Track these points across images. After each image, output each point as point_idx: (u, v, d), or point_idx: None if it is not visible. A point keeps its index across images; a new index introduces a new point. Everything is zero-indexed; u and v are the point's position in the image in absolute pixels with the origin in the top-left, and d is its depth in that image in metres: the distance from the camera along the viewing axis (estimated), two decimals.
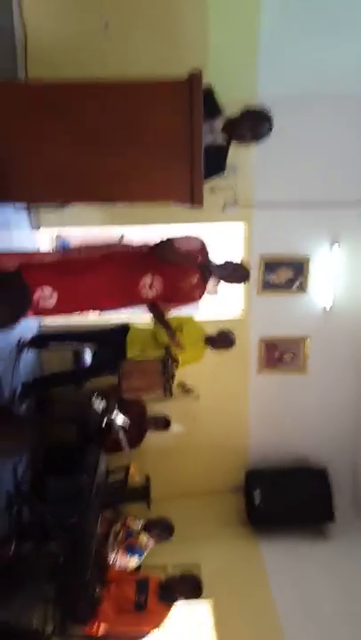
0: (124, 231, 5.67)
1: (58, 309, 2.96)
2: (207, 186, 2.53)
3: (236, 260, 3.32)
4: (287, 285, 5.00)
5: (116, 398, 4.11)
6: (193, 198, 2.29)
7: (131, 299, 3.11)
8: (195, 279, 3.10)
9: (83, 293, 2.94)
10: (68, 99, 2.23)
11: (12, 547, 2.16)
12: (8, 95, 2.24)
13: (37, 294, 2.83)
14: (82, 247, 3.01)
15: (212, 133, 2.71)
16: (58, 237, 5.87)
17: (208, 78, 4.24)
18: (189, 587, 3.53)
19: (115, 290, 2.99)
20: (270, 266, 4.96)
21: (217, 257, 3.27)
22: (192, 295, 3.19)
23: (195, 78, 2.20)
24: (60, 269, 2.87)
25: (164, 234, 3.06)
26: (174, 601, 3.55)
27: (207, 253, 3.15)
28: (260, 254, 4.92)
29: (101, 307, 3.16)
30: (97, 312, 3.37)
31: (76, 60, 4.23)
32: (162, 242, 3.02)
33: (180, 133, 2.24)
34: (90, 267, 2.90)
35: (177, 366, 4.13)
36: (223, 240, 5.42)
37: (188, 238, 3.09)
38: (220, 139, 2.74)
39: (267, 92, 4.41)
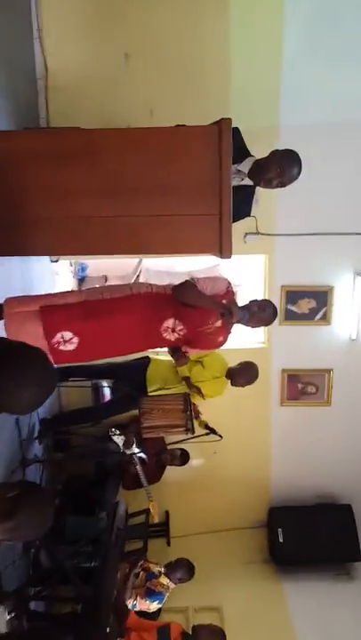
0: (143, 262, 5.65)
1: (77, 354, 2.88)
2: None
3: (260, 298, 3.21)
4: (310, 316, 4.87)
5: (134, 432, 4.01)
6: (221, 249, 2.19)
7: (152, 342, 3.02)
8: (218, 323, 2.98)
9: (104, 337, 2.85)
10: (89, 146, 2.15)
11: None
12: (24, 143, 2.17)
13: (56, 338, 2.76)
14: (104, 289, 2.92)
15: (239, 176, 2.62)
16: (76, 264, 5.84)
17: (230, 107, 4.27)
18: None
19: (136, 333, 2.89)
20: (292, 296, 4.84)
21: (242, 297, 3.16)
22: (215, 340, 3.08)
23: (224, 124, 2.10)
24: (81, 313, 2.79)
25: (187, 271, 3.00)
26: None
27: (233, 295, 3.04)
28: (282, 284, 4.81)
29: (122, 351, 3.08)
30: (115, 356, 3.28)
31: (98, 92, 4.21)
32: (184, 284, 2.92)
33: (209, 181, 2.15)
34: (112, 310, 2.81)
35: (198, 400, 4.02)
36: (245, 269, 5.34)
37: (213, 279, 2.99)
38: (246, 181, 2.64)
39: (289, 121, 4.37)
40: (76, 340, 2.77)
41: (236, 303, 3.04)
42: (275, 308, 3.17)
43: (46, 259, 4.68)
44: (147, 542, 4.12)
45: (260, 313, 3.08)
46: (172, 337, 2.96)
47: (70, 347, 2.79)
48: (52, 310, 2.75)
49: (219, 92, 4.30)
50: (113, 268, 6.18)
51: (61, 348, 2.78)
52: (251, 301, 3.11)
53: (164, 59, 4.25)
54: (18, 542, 1.53)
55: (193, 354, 3.81)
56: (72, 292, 2.98)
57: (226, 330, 3.07)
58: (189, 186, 2.16)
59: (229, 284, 3.05)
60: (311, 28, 4.22)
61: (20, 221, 2.16)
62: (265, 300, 3.21)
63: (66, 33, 4.16)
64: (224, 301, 2.95)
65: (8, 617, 2.99)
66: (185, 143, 2.15)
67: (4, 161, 2.13)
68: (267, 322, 3.16)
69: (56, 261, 4.79)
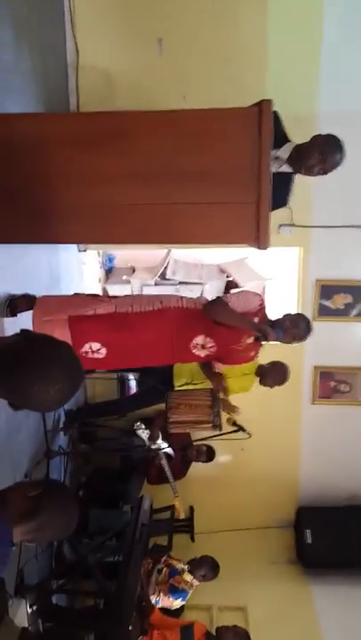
0: (172, 253, 5.55)
1: (105, 363, 2.87)
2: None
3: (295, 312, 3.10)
4: (345, 311, 4.70)
5: (160, 427, 3.93)
6: (259, 239, 2.06)
7: (181, 357, 2.97)
8: (250, 340, 2.89)
9: (132, 350, 2.81)
10: (122, 130, 2.05)
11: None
12: (56, 127, 2.08)
13: (85, 348, 2.72)
14: (134, 301, 2.85)
15: (277, 162, 2.48)
16: (104, 254, 5.78)
17: (267, 93, 4.11)
18: None
19: (165, 348, 2.84)
20: (327, 290, 4.67)
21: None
22: (246, 356, 3.00)
23: (265, 106, 1.97)
24: (110, 325, 2.74)
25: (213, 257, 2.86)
26: None
27: (265, 312, 2.92)
28: (317, 278, 4.64)
29: (149, 362, 3.01)
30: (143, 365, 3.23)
31: (129, 78, 4.11)
32: (215, 301, 2.83)
33: (247, 168, 2.02)
34: (141, 324, 2.76)
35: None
36: (278, 262, 5.19)
37: (245, 296, 2.91)
38: (284, 168, 2.51)
39: (329, 108, 4.19)
40: (104, 350, 2.75)
41: (268, 320, 2.92)
42: (308, 323, 3.05)
43: (74, 248, 4.62)
44: (172, 539, 4.04)
45: (293, 329, 2.97)
46: (201, 353, 2.90)
47: (98, 356, 2.78)
48: (81, 321, 2.72)
49: (255, 78, 4.14)
50: (141, 259, 6.10)
51: (90, 356, 2.76)
52: (284, 316, 3.00)
53: (199, 43, 4.11)
54: (41, 543, 1.44)
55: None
56: (102, 300, 2.91)
57: (258, 345, 2.98)
58: (226, 172, 2.04)
59: (262, 300, 2.96)
60: (352, 13, 4.03)
61: (51, 208, 2.08)
62: (298, 314, 3.11)
63: (98, 17, 4.05)
64: (256, 319, 2.85)
65: (30, 610, 2.96)
66: (222, 126, 2.02)
67: (36, 145, 2.05)
68: (301, 337, 3.03)
69: (84, 251, 4.72)
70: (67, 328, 2.66)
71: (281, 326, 2.90)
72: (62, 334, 2.65)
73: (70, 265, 4.43)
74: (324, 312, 4.69)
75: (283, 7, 4.04)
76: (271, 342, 2.99)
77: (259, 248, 2.09)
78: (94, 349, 2.70)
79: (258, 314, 2.88)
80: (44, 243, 2.57)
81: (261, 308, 2.91)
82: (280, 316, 2.95)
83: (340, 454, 4.96)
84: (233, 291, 2.99)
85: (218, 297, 2.85)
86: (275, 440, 4.88)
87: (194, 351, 2.84)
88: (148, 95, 4.12)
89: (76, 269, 4.68)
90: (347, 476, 5.00)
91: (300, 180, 4.22)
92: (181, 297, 2.91)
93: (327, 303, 4.68)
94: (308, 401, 4.91)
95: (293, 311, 4.69)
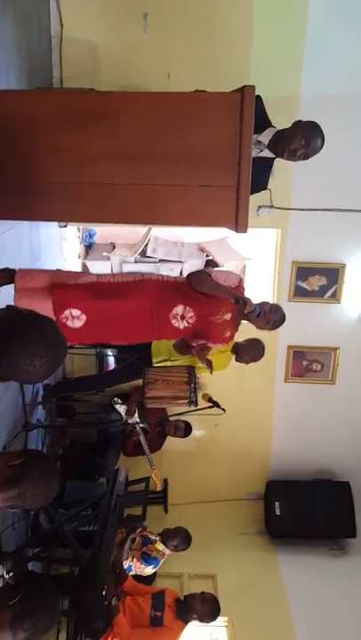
0: (152, 230, 5.57)
1: (83, 334, 2.87)
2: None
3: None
4: (320, 293, 4.82)
5: (137, 402, 4.02)
6: (237, 224, 2.12)
7: (160, 329, 2.99)
8: (228, 315, 2.96)
9: (111, 319, 2.85)
10: (107, 109, 2.07)
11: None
12: (41, 104, 2.09)
13: (64, 314, 2.75)
14: (116, 274, 2.92)
15: (258, 147, 2.54)
16: (84, 230, 5.77)
17: (251, 74, 4.13)
18: (208, 610, 3.44)
19: (144, 318, 2.87)
20: (303, 272, 4.78)
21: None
22: (223, 333, 3.07)
23: (247, 92, 2.01)
24: (91, 292, 2.78)
25: (193, 235, 2.92)
26: (190, 620, 3.47)
27: (243, 290, 3.01)
28: (293, 260, 4.74)
29: (128, 335, 3.06)
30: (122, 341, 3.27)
31: (113, 53, 4.08)
32: (199, 272, 2.93)
33: (228, 152, 2.06)
34: (122, 293, 2.81)
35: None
36: (256, 243, 5.26)
37: (225, 273, 2.99)
38: (265, 153, 2.56)
39: (310, 91, 4.24)
40: (83, 317, 2.77)
41: (246, 297, 3.01)
42: (284, 315, 3.17)
43: (55, 224, 4.61)
44: (146, 509, 4.16)
45: (270, 314, 3.07)
46: (180, 325, 2.94)
47: (78, 323, 2.79)
48: (63, 288, 2.75)
49: (239, 58, 4.16)
50: (121, 236, 6.10)
51: (69, 323, 2.78)
52: (262, 302, 3.10)
53: (184, 20, 4.10)
54: (22, 509, 1.54)
55: None
56: (83, 273, 2.97)
57: (234, 324, 3.07)
58: (208, 155, 2.08)
59: (241, 279, 3.05)
60: None
61: (35, 185, 2.10)
62: (276, 304, 3.24)
63: None
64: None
65: (7, 576, 3.05)
66: (205, 110, 2.05)
67: (18, 122, 2.05)
68: (275, 324, 3.15)
69: (65, 227, 4.72)
70: (48, 295, 2.69)
71: (260, 308, 2.98)
72: (43, 300, 2.68)
73: (51, 240, 4.43)
74: (299, 293, 4.80)
75: None
76: (244, 322, 3.08)
77: (237, 232, 2.15)
78: (74, 315, 2.72)
79: (236, 290, 2.96)
80: (28, 220, 2.58)
81: (240, 285, 3.00)
82: (259, 302, 3.04)
83: (310, 431, 5.13)
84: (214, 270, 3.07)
85: (201, 269, 2.94)
86: (248, 416, 5.02)
87: (173, 322, 2.88)
88: (132, 71, 4.11)
89: (57, 245, 4.69)
90: (315, 451, 5.19)
91: (279, 164, 4.29)
92: (162, 274, 2.99)
93: (303, 284, 4.79)
94: (282, 379, 5.05)
95: (270, 293, 4.89)
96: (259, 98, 2.51)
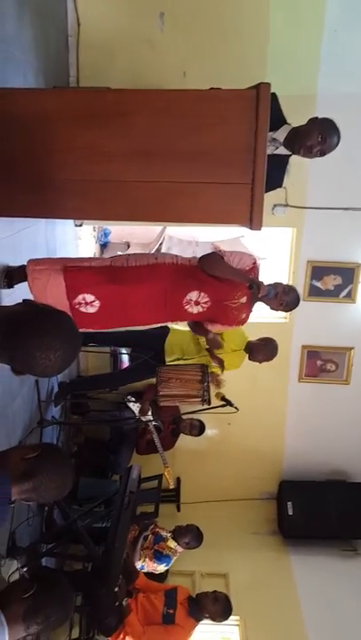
0: (167, 229, 5.58)
1: (97, 318, 2.86)
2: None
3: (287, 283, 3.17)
4: (335, 293, 4.79)
5: (150, 400, 4.03)
6: (252, 221, 2.12)
7: (173, 314, 2.98)
8: (243, 299, 2.93)
9: (125, 304, 2.83)
10: (123, 107, 2.09)
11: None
12: (57, 103, 2.11)
13: (78, 299, 2.75)
14: (129, 257, 2.88)
15: (273, 144, 2.53)
16: (99, 229, 5.80)
17: (267, 72, 4.12)
18: (220, 609, 3.44)
19: (158, 303, 2.86)
20: (318, 271, 4.75)
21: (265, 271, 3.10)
22: (238, 316, 3.03)
23: (263, 90, 2.01)
24: (105, 277, 2.76)
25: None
26: (202, 618, 3.48)
27: (258, 271, 2.97)
28: (308, 259, 4.72)
29: (141, 320, 3.05)
30: (136, 325, 3.24)
31: (130, 52, 4.09)
32: (211, 255, 2.85)
33: (243, 149, 2.07)
34: (136, 277, 2.78)
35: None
36: (270, 242, 5.24)
37: (239, 253, 2.91)
38: (280, 150, 2.56)
39: (327, 90, 4.21)
40: (97, 303, 2.76)
41: (261, 280, 2.99)
42: (298, 296, 3.14)
43: (70, 222, 4.64)
44: (158, 506, 4.17)
45: (283, 295, 3.04)
46: (194, 310, 2.91)
47: (91, 309, 2.78)
48: (76, 271, 2.73)
49: (255, 56, 4.15)
50: (136, 235, 6.13)
51: (82, 309, 2.77)
52: (276, 283, 3.06)
53: (200, 20, 4.10)
54: (37, 502, 1.56)
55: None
56: (97, 257, 2.96)
57: (249, 307, 3.03)
58: (223, 152, 2.09)
59: (255, 260, 2.98)
60: None
61: (51, 183, 2.12)
62: (290, 285, 3.18)
63: None
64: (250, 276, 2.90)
65: (22, 570, 3.08)
66: (221, 107, 2.06)
67: (35, 121, 2.08)
68: (288, 306, 3.11)
69: (80, 225, 4.75)
70: (61, 277, 2.67)
71: (274, 289, 2.96)
72: (56, 283, 2.67)
73: (66, 239, 4.46)
74: (314, 292, 4.78)
75: None
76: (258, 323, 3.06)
77: (252, 229, 2.15)
78: (88, 301, 2.71)
79: (251, 272, 2.91)
80: (44, 217, 2.60)
81: (254, 267, 2.94)
82: (272, 283, 3.01)
83: (324, 431, 5.10)
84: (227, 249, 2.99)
85: (213, 252, 2.86)
86: (261, 415, 5.01)
87: (187, 307, 2.86)
88: (148, 70, 4.12)
89: (72, 244, 4.72)
90: (328, 452, 5.16)
91: (295, 162, 4.29)
92: (176, 255, 2.93)
93: (317, 284, 4.77)
94: (295, 379, 5.03)
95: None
96: (274, 95, 2.51)
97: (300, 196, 4.50)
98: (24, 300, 1.47)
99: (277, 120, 2.55)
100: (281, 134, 2.56)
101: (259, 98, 2.02)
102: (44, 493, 1.63)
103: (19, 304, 1.45)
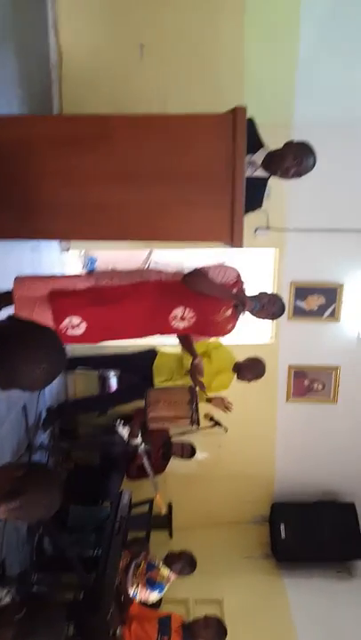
0: (153, 254, 5.65)
1: (85, 338, 2.90)
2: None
3: (271, 291, 3.21)
4: (319, 312, 4.86)
5: (140, 424, 4.02)
6: (233, 239, 2.18)
7: (160, 330, 3.02)
8: (228, 312, 2.98)
9: (112, 323, 2.86)
10: (105, 132, 2.16)
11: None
12: (42, 128, 2.18)
13: (65, 323, 2.77)
14: (114, 274, 2.91)
15: (252, 167, 2.61)
16: (86, 255, 5.85)
17: (245, 102, 4.25)
18: (212, 634, 3.39)
19: (144, 321, 2.90)
20: (301, 292, 4.83)
21: (250, 288, 3.14)
22: (224, 328, 3.07)
23: (239, 113, 2.10)
24: (90, 299, 2.79)
25: (197, 261, 2.96)
26: None
27: (243, 285, 3.03)
28: (291, 280, 4.80)
29: (129, 337, 3.08)
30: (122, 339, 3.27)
31: (111, 82, 4.21)
32: (194, 272, 2.90)
33: (222, 170, 2.14)
34: (121, 297, 2.81)
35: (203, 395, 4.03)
36: (253, 265, 5.32)
37: (222, 268, 2.97)
38: (259, 173, 2.64)
39: (303, 118, 4.35)
40: (84, 325, 2.79)
41: (245, 293, 3.03)
42: (283, 304, 3.19)
43: (57, 248, 4.70)
44: (150, 531, 4.12)
45: (268, 306, 3.08)
46: (180, 325, 2.94)
47: (78, 331, 2.81)
48: (61, 296, 2.76)
49: (233, 87, 4.28)
50: (122, 261, 6.18)
51: (69, 332, 2.80)
52: (261, 293, 3.11)
53: (179, 51, 4.24)
54: (25, 522, 1.55)
55: (201, 345, 3.82)
56: (81, 276, 2.99)
57: (235, 318, 3.07)
58: (203, 173, 2.16)
59: (239, 274, 3.03)
60: (327, 28, 4.20)
61: (37, 206, 2.17)
62: (275, 294, 3.23)
63: (81, 22, 4.17)
64: (234, 291, 2.94)
65: (11, 597, 3.02)
66: (199, 130, 2.14)
67: (21, 146, 2.14)
68: (274, 315, 3.17)
69: (67, 251, 4.79)
70: (47, 304, 2.71)
71: (258, 300, 3.01)
72: (43, 310, 2.70)
73: (53, 265, 4.50)
74: (298, 313, 4.85)
75: (261, 19, 4.20)
76: (246, 317, 3.09)
77: (233, 246, 2.21)
78: (75, 324, 2.74)
79: (235, 286, 2.97)
80: (32, 239, 2.64)
81: (238, 281, 2.99)
82: (257, 294, 3.06)
83: (314, 451, 5.11)
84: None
85: (196, 268, 2.90)
86: (251, 437, 5.02)
87: (173, 323, 2.89)
88: (129, 100, 4.23)
89: (59, 270, 4.76)
90: (320, 472, 5.16)
91: (275, 186, 4.39)
92: (160, 270, 2.97)
93: (302, 304, 4.84)
94: (283, 399, 5.05)
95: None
96: (251, 120, 2.61)
97: (281, 218, 4.61)
98: (9, 316, 1.49)
99: (255, 144, 2.65)
100: (259, 157, 2.65)
101: (235, 121, 2.11)
102: (31, 512, 1.63)
103: (3, 320, 1.48)
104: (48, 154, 2.14)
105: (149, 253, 5.85)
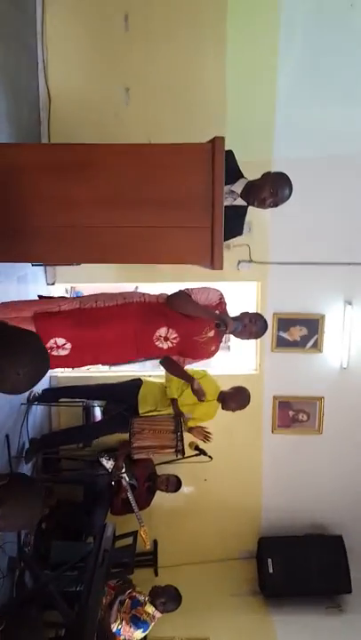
0: (138, 286, 5.73)
1: (70, 361, 2.93)
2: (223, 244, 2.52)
3: (254, 311, 3.27)
4: (302, 343, 4.94)
5: (124, 457, 4.00)
6: (213, 261, 2.27)
7: (144, 351, 3.06)
8: (211, 333, 3.04)
9: (96, 345, 2.90)
10: (89, 159, 2.26)
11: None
12: (28, 156, 2.28)
13: (50, 344, 2.80)
14: (98, 297, 2.97)
15: (232, 196, 2.73)
16: (72, 290, 5.92)
17: (227, 140, 4.46)
18: None
19: (128, 342, 2.94)
20: (284, 323, 4.92)
21: (232, 311, 3.21)
22: (207, 350, 3.12)
23: (217, 142, 2.22)
24: (75, 320, 2.84)
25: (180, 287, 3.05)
26: None
27: (225, 306, 3.10)
28: (274, 311, 4.89)
29: (114, 359, 3.12)
30: (108, 365, 3.30)
31: (98, 124, 4.39)
32: (178, 293, 2.98)
33: (202, 196, 2.24)
34: (106, 318, 2.87)
35: (186, 424, 4.03)
36: (237, 297, 5.42)
37: (206, 290, 3.04)
38: (239, 202, 2.76)
39: (282, 154, 4.54)
40: (68, 345, 2.83)
41: (228, 314, 3.10)
42: (265, 322, 3.23)
43: (43, 282, 4.77)
44: (133, 563, 4.03)
45: (251, 325, 3.14)
46: (164, 345, 2.99)
47: (63, 352, 2.84)
48: (46, 317, 2.81)
49: (216, 126, 4.44)
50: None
51: (54, 353, 2.83)
52: (242, 313, 3.18)
53: (163, 94, 4.45)
54: (7, 531, 1.55)
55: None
56: (65, 298, 3.05)
57: (218, 339, 3.13)
58: (183, 199, 2.25)
59: (222, 295, 3.11)
60: (303, 69, 4.46)
61: (23, 230, 2.24)
62: (256, 313, 3.28)
63: (69, 66, 4.38)
64: (217, 312, 3.01)
65: None
66: (180, 159, 2.26)
67: (8, 172, 2.23)
68: (257, 334, 3.21)
69: (52, 284, 4.86)
70: (32, 325, 2.73)
71: (241, 321, 3.07)
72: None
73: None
74: (281, 343, 4.92)
75: (240, 62, 4.45)
76: (229, 339, 3.13)
77: (213, 268, 2.29)
78: (59, 344, 2.77)
79: (218, 307, 3.03)
80: (17, 262, 2.70)
81: (221, 302, 3.06)
82: (238, 314, 3.12)
83: (300, 483, 5.08)
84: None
85: (180, 290, 2.97)
86: (237, 470, 5.00)
87: (157, 343, 2.94)
88: (115, 140, 4.37)
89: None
90: (306, 504, 5.11)
91: (257, 220, 4.55)
92: (143, 293, 3.04)
93: (284, 335, 4.92)
94: (269, 430, 5.06)
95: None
96: (231, 152, 2.75)
97: (263, 251, 4.75)
98: None
99: (235, 174, 2.77)
100: (238, 187, 2.77)
101: (214, 149, 2.23)
102: (12, 521, 1.63)
103: None
104: (34, 180, 2.22)
105: (135, 289, 5.95)
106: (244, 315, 3.13)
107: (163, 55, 4.35)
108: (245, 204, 2.85)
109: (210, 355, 3.18)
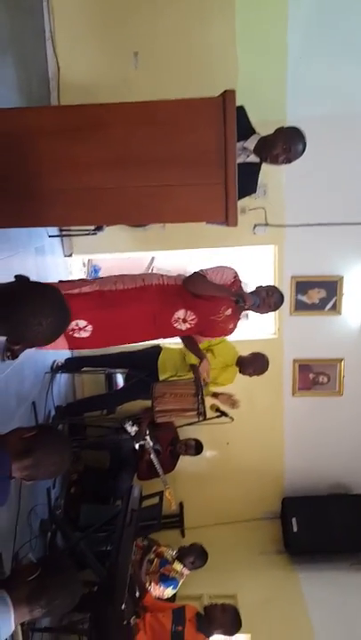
0: (155, 256, 5.75)
1: (91, 342, 3.02)
2: (238, 206, 2.52)
3: (268, 283, 3.29)
4: (320, 306, 4.93)
5: (148, 422, 4.07)
6: (227, 218, 2.27)
7: (164, 332, 3.13)
8: (228, 311, 3.08)
9: (117, 327, 2.99)
10: (100, 120, 2.26)
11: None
12: (39, 119, 2.29)
13: (71, 326, 2.87)
14: (117, 279, 3.02)
15: (245, 153, 2.72)
16: (89, 262, 5.96)
17: (240, 100, 4.40)
18: (229, 619, 3.41)
19: (148, 323, 3.01)
20: (302, 286, 4.90)
21: (248, 283, 3.23)
22: (225, 328, 3.19)
23: (228, 96, 2.20)
24: (96, 302, 2.91)
25: (196, 264, 3.10)
26: (211, 633, 3.43)
27: (240, 283, 3.13)
28: (292, 275, 4.88)
29: (133, 340, 3.19)
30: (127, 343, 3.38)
31: (107, 91, 4.35)
32: (193, 275, 3.03)
33: (214, 151, 2.23)
34: (125, 301, 2.94)
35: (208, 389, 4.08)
36: (254, 262, 5.41)
37: (220, 269, 3.09)
38: (252, 159, 2.74)
39: (295, 114, 4.46)
40: (90, 327, 2.91)
41: (244, 290, 3.13)
42: (281, 293, 3.27)
43: (60, 253, 4.80)
44: (160, 522, 4.14)
45: (268, 298, 3.17)
46: (183, 327, 3.07)
47: (84, 334, 2.93)
48: (67, 298, 2.86)
49: (227, 87, 4.41)
50: (125, 269, 6.27)
51: (76, 335, 2.92)
52: (258, 287, 3.21)
53: (172, 57, 4.39)
54: (37, 480, 1.60)
55: (204, 342, 3.89)
56: (86, 280, 3.11)
57: (236, 317, 3.18)
58: (195, 156, 2.24)
59: (236, 273, 3.15)
60: (314, 27, 4.36)
61: (35, 193, 2.26)
62: (271, 285, 3.32)
63: (76, 34, 4.32)
64: (233, 290, 3.04)
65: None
66: (190, 114, 2.24)
67: (19, 136, 2.23)
68: (275, 306, 3.24)
69: (70, 256, 4.90)
70: None
71: (258, 295, 3.10)
72: None
73: (57, 269, 4.61)
74: (300, 307, 4.91)
75: (250, 22, 4.36)
76: (249, 312, 3.16)
77: (228, 225, 2.29)
78: (81, 326, 2.85)
79: (233, 285, 3.07)
80: (30, 226, 2.74)
81: (236, 280, 3.10)
82: (254, 289, 3.15)
83: (322, 444, 5.12)
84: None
85: (195, 272, 3.02)
86: (259, 433, 5.05)
87: (175, 325, 3.01)
88: None
89: (63, 274, 4.86)
90: (328, 465, 5.17)
91: (272, 184, 4.50)
92: (162, 275, 3.10)
93: (303, 298, 4.91)
94: (289, 393, 5.09)
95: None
96: (242, 107, 2.72)
97: (279, 214, 4.71)
98: (16, 276, 1.58)
99: (247, 130, 2.76)
100: (251, 143, 2.76)
101: (225, 103, 2.21)
102: (43, 470, 1.69)
103: (12, 281, 1.57)
104: (45, 142, 2.23)
105: (152, 259, 5.97)
106: (260, 289, 3.16)
107: (171, 17, 4.28)
108: (258, 160, 2.83)
109: (228, 332, 3.26)
